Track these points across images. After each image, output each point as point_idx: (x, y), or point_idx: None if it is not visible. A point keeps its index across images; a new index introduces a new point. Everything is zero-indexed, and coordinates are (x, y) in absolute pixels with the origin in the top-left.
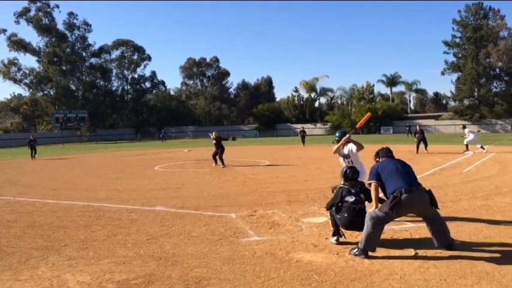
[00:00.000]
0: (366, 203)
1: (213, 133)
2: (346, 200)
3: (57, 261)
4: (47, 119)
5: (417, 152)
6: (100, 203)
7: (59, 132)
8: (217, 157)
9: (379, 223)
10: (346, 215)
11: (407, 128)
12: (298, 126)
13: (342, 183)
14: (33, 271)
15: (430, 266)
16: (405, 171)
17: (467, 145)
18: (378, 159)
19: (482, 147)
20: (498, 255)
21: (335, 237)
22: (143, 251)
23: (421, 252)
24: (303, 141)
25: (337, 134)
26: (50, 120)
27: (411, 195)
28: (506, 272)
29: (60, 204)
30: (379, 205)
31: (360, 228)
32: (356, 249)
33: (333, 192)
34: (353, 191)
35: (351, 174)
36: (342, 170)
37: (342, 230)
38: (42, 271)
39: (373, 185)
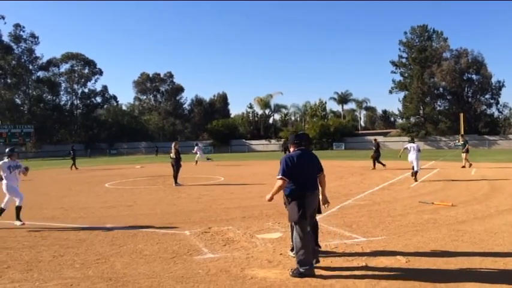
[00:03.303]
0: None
1: (173, 145)
2: None
3: None
4: None
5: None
6: (46, 222)
7: (2, 149)
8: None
9: (302, 233)
10: None
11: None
12: (253, 143)
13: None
14: None
15: (380, 279)
16: (311, 168)
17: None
18: (288, 146)
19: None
20: (444, 267)
21: (294, 251)
22: (92, 271)
23: (372, 266)
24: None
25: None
26: None
27: (313, 196)
28: (451, 284)
29: (3, 223)
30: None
31: None
32: (295, 270)
33: (285, 205)
34: None
35: (299, 141)
36: (290, 136)
37: None
38: None
39: (281, 182)
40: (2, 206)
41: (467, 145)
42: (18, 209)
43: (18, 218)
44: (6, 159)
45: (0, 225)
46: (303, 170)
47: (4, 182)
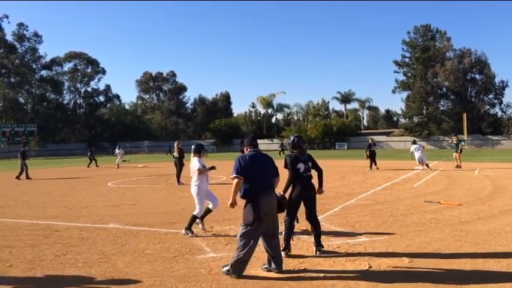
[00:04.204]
0: None
1: (176, 144)
2: (298, 168)
3: (1, 283)
4: None
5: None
6: (49, 221)
7: (6, 147)
8: (176, 173)
9: (250, 237)
10: (299, 183)
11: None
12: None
13: (290, 151)
14: None
15: (383, 279)
16: (266, 171)
17: None
18: (243, 147)
19: None
20: (447, 267)
21: (285, 251)
22: (94, 270)
23: (374, 266)
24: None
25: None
26: None
27: (268, 199)
28: (454, 285)
29: (6, 222)
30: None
31: (307, 192)
32: (228, 267)
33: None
34: (302, 158)
35: (298, 143)
36: (290, 139)
37: (291, 244)
38: None
39: (236, 180)
40: (196, 212)
41: (460, 145)
42: (208, 211)
43: (201, 221)
44: (197, 157)
45: (2, 224)
46: (257, 170)
47: (196, 183)
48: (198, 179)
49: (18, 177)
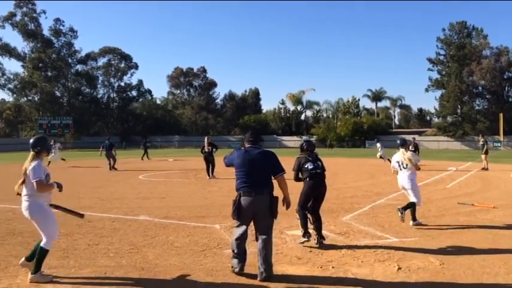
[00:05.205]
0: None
1: (205, 139)
2: (306, 167)
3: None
4: (30, 125)
5: None
6: (82, 211)
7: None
8: (208, 168)
9: (236, 234)
10: (308, 179)
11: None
12: (285, 139)
13: (299, 154)
14: (12, 279)
15: (413, 281)
16: (256, 168)
17: None
18: (243, 142)
19: None
20: (479, 271)
21: (305, 236)
22: (125, 260)
23: (404, 267)
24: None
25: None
26: (34, 127)
27: (250, 198)
28: None
29: None
30: None
31: (318, 189)
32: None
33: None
34: (310, 158)
35: (307, 147)
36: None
37: (309, 230)
38: (21, 279)
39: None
40: (417, 201)
41: (486, 146)
42: (413, 205)
43: (403, 211)
44: (408, 150)
45: None
46: (244, 167)
47: (412, 177)
48: (413, 172)
49: (114, 168)
